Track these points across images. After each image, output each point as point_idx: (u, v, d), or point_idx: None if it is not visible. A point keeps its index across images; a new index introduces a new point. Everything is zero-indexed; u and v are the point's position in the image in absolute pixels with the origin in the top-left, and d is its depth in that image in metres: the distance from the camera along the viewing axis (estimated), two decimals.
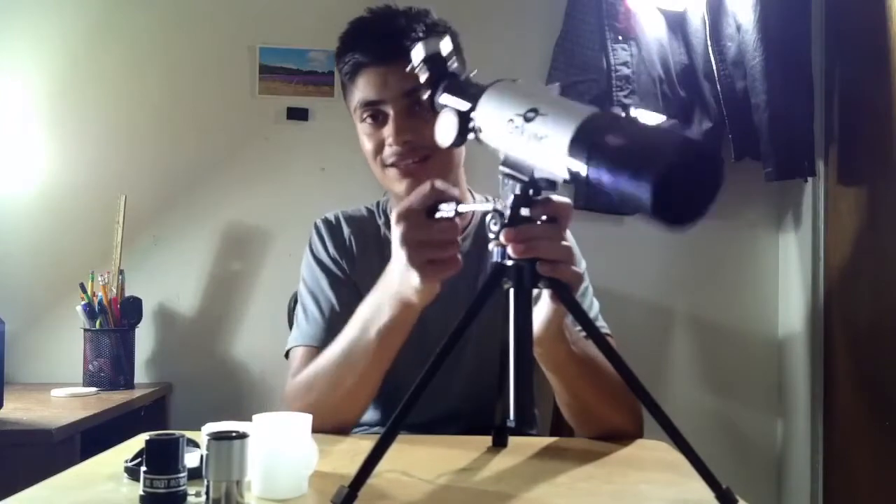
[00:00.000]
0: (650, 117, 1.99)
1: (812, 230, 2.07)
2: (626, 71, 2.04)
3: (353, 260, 1.27)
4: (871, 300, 1.86)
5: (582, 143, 0.68)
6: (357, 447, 0.99)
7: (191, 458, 0.78)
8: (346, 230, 1.30)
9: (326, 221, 1.32)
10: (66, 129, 2.12)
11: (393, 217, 0.90)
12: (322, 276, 1.26)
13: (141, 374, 2.05)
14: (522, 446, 1.02)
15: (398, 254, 0.90)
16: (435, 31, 1.18)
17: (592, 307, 1.26)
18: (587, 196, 2.07)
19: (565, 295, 0.82)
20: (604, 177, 0.67)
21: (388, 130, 1.18)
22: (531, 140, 0.74)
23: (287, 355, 1.25)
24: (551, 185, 0.78)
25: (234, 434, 0.71)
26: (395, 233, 0.90)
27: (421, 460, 0.93)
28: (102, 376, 1.91)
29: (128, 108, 2.13)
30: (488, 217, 0.80)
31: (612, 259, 2.07)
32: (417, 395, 0.74)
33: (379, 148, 1.20)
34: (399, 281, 0.94)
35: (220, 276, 2.14)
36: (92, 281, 1.95)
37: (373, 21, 1.21)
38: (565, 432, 1.28)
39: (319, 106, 2.14)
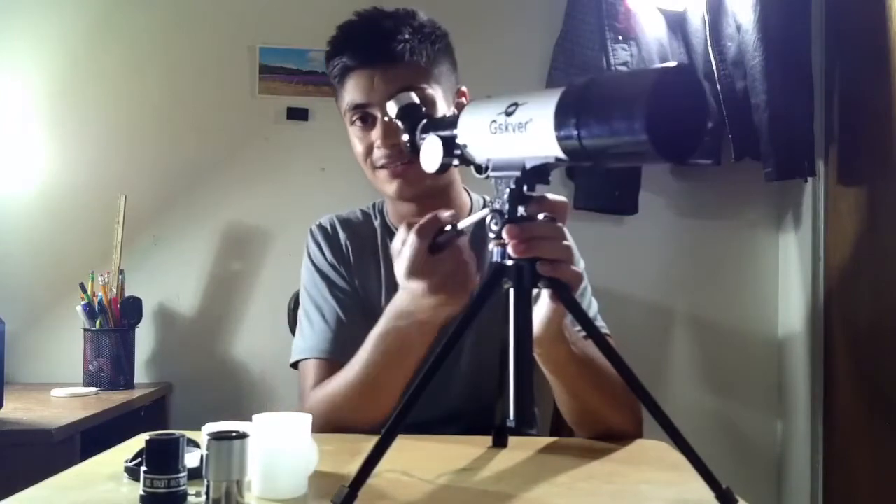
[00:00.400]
0: None
1: (812, 230, 2.07)
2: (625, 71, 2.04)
3: (351, 264, 1.28)
4: (871, 300, 1.86)
5: (567, 108, 0.70)
6: (357, 447, 0.99)
7: (191, 458, 0.78)
8: (342, 235, 1.30)
9: (321, 228, 1.32)
10: (66, 129, 2.12)
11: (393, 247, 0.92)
12: (323, 284, 1.26)
13: (141, 374, 2.04)
14: (522, 446, 1.02)
15: (403, 280, 0.92)
16: (422, 31, 1.19)
17: (591, 307, 1.26)
18: (587, 193, 2.08)
19: (565, 295, 0.82)
20: (595, 130, 0.68)
21: (376, 133, 1.19)
22: (517, 130, 0.75)
23: (295, 365, 1.24)
24: (544, 175, 0.78)
25: (234, 434, 0.71)
26: (398, 265, 0.91)
27: (421, 460, 0.94)
28: (102, 376, 1.91)
29: (128, 108, 2.13)
30: (488, 218, 0.80)
31: (612, 259, 2.08)
32: (418, 395, 0.74)
33: (369, 150, 1.22)
34: (416, 305, 0.96)
35: (220, 276, 2.14)
36: (92, 281, 1.95)
37: (360, 24, 1.22)
38: (565, 432, 1.28)
39: (319, 106, 2.14)
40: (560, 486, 0.85)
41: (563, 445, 1.09)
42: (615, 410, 1.08)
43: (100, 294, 1.94)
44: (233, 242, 2.15)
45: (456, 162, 0.86)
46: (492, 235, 0.80)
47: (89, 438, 1.54)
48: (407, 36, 1.17)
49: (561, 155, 0.72)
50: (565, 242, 0.82)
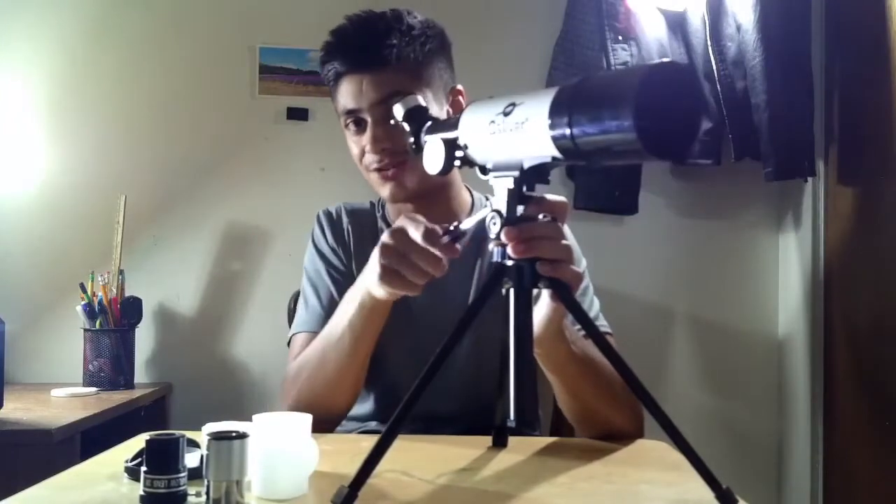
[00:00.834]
0: None
1: (812, 230, 2.07)
2: None
3: (351, 249, 1.31)
4: (871, 300, 1.86)
5: (560, 106, 0.71)
6: (357, 447, 0.99)
7: (191, 458, 0.78)
8: (345, 221, 1.34)
9: (327, 213, 1.36)
10: (66, 129, 2.12)
11: (396, 223, 0.94)
12: (321, 264, 1.30)
13: (141, 374, 2.05)
14: (522, 446, 1.02)
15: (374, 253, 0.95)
16: (410, 33, 1.20)
17: (593, 306, 1.26)
18: (586, 193, 2.08)
19: (565, 295, 0.82)
20: (587, 128, 0.68)
21: (366, 138, 1.22)
22: (514, 130, 0.76)
23: (289, 344, 1.29)
24: (543, 175, 0.78)
25: (234, 434, 0.71)
26: (383, 236, 0.93)
27: (421, 460, 0.94)
28: (102, 376, 1.91)
29: (128, 108, 2.13)
30: (488, 218, 0.80)
31: (612, 259, 2.08)
32: (418, 395, 0.74)
33: (362, 153, 1.25)
34: (367, 274, 0.99)
35: (220, 276, 2.14)
36: (92, 281, 1.95)
37: (349, 29, 1.23)
38: (565, 432, 1.28)
39: (319, 106, 2.14)
40: (560, 486, 0.85)
41: (563, 445, 1.09)
42: (616, 410, 1.08)
43: (100, 294, 1.94)
44: (233, 242, 2.15)
45: (458, 163, 0.86)
46: (492, 236, 0.80)
47: (89, 438, 1.54)
48: (394, 40, 1.18)
49: (557, 154, 0.73)
50: (565, 242, 0.82)
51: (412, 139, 0.94)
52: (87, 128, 2.12)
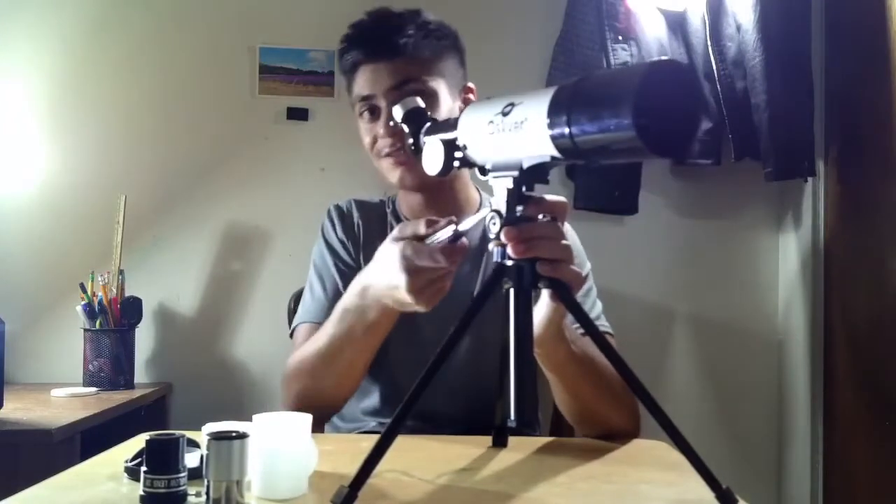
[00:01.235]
0: None
1: (812, 230, 2.07)
2: None
3: (360, 243, 1.33)
4: (871, 300, 1.86)
5: (559, 105, 0.71)
6: (357, 447, 0.99)
7: (191, 458, 0.78)
8: (355, 215, 1.36)
9: (338, 207, 1.38)
10: (66, 129, 2.12)
11: (395, 232, 0.93)
12: (329, 256, 1.32)
13: (141, 374, 2.04)
14: (522, 446, 1.02)
15: (390, 265, 0.93)
16: (426, 28, 1.24)
17: (595, 307, 1.26)
18: (586, 193, 2.08)
19: (565, 295, 0.82)
20: (586, 127, 0.68)
21: (380, 123, 1.24)
22: (513, 129, 0.76)
23: (293, 334, 1.31)
24: (542, 175, 0.78)
25: (234, 434, 0.71)
26: (392, 249, 0.92)
27: (421, 460, 0.94)
28: (102, 376, 1.91)
29: (128, 108, 2.13)
30: (488, 218, 0.80)
31: (612, 259, 2.07)
32: (418, 395, 0.74)
33: (374, 140, 1.27)
34: (386, 293, 0.97)
35: (220, 276, 2.14)
36: (92, 281, 1.95)
37: (368, 22, 1.27)
38: (565, 432, 1.28)
39: (319, 106, 2.14)
40: (560, 486, 0.85)
41: (563, 445, 1.09)
42: (614, 409, 1.08)
43: (100, 294, 1.94)
44: (233, 242, 2.15)
45: (457, 164, 0.86)
46: (491, 236, 0.80)
47: (89, 438, 1.54)
48: (411, 31, 1.23)
49: (556, 154, 0.73)
50: (564, 242, 0.82)
51: (411, 140, 0.94)
52: (87, 128, 2.12)
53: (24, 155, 2.11)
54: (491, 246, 0.81)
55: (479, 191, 1.37)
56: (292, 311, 1.56)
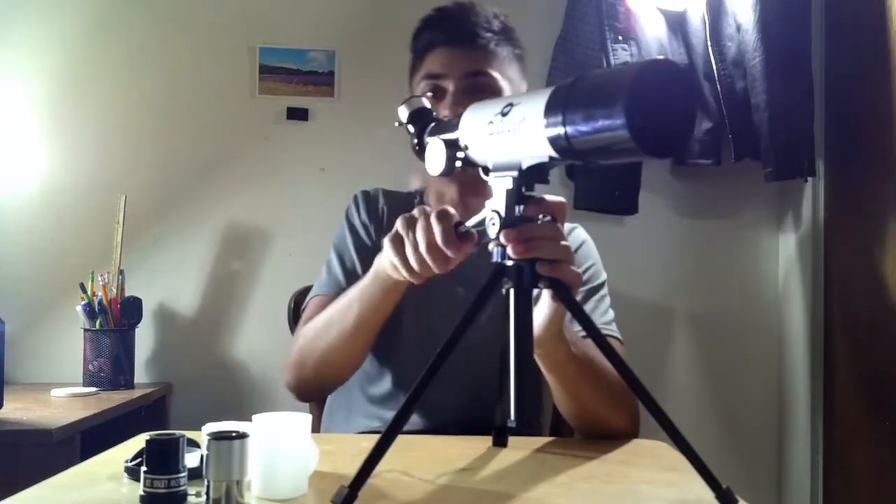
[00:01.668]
0: None
1: (812, 230, 2.07)
2: None
3: (382, 229, 1.33)
4: (871, 300, 1.86)
5: (555, 106, 0.71)
6: (357, 447, 0.99)
7: (191, 458, 0.78)
8: (381, 201, 1.37)
9: (365, 192, 1.39)
10: (66, 129, 2.12)
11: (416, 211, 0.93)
12: (350, 237, 1.33)
13: (141, 374, 2.04)
14: (522, 446, 1.02)
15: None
16: (507, 32, 1.29)
17: (606, 314, 1.26)
18: (586, 193, 2.07)
19: (565, 295, 0.82)
20: (581, 126, 0.68)
21: (444, 104, 1.24)
22: (512, 130, 0.76)
23: (305, 308, 1.32)
24: (542, 175, 0.78)
25: (234, 434, 0.71)
26: (399, 222, 0.93)
27: (421, 460, 0.94)
28: (102, 376, 1.91)
29: (128, 108, 2.13)
30: (487, 218, 0.80)
31: (612, 259, 2.04)
32: (418, 395, 0.74)
33: None
34: (382, 259, 1.00)
35: (220, 276, 2.14)
36: (92, 281, 1.95)
37: (455, 9, 1.30)
38: (565, 432, 1.28)
39: (319, 106, 2.14)
40: (560, 486, 0.85)
41: (563, 445, 1.08)
42: (613, 410, 1.08)
43: (100, 294, 1.94)
44: (233, 242, 2.15)
45: (459, 164, 0.86)
46: (491, 236, 0.80)
47: (89, 438, 1.54)
48: (494, 28, 1.26)
49: (554, 154, 0.73)
50: (564, 243, 0.82)
51: (416, 140, 0.94)
52: (87, 128, 2.12)
53: (24, 155, 2.11)
54: (491, 246, 0.81)
55: None
56: (292, 311, 1.56)
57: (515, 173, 0.78)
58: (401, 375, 1.25)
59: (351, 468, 0.72)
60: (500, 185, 0.80)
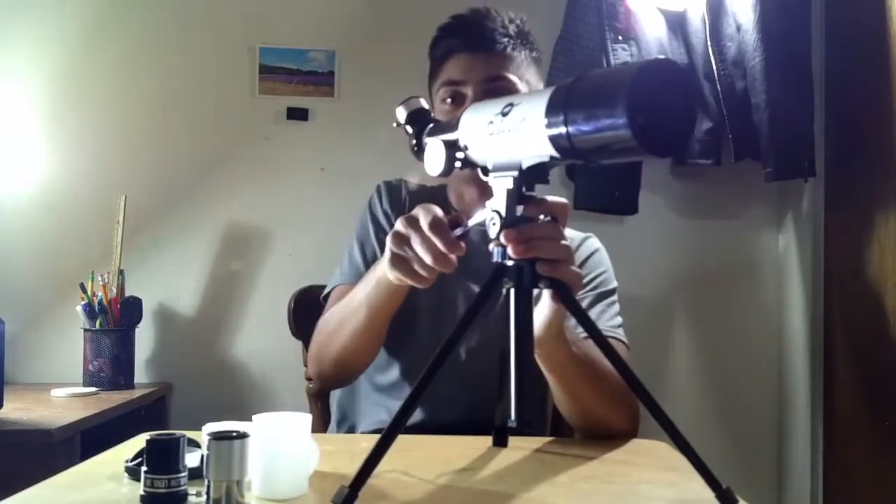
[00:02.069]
0: None
1: (812, 230, 2.07)
2: None
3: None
4: (871, 300, 1.86)
5: (556, 105, 0.71)
6: (357, 447, 0.99)
7: (191, 458, 0.78)
8: (404, 191, 1.37)
9: (387, 182, 1.39)
10: (66, 129, 2.12)
11: (419, 208, 0.93)
12: (371, 226, 1.33)
13: (141, 374, 2.05)
14: (522, 446, 1.02)
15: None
16: (524, 36, 1.29)
17: (614, 319, 1.26)
18: (586, 193, 2.07)
19: (565, 295, 0.82)
20: (582, 126, 0.68)
21: (464, 109, 1.22)
22: (513, 130, 0.76)
23: (327, 297, 1.33)
24: (542, 175, 0.78)
25: (234, 434, 0.71)
26: (397, 223, 0.93)
27: (421, 460, 0.93)
28: (102, 376, 1.91)
29: (128, 108, 2.13)
30: (487, 218, 0.80)
31: (612, 259, 2.06)
32: (418, 395, 0.74)
33: None
34: (384, 269, 0.99)
35: (220, 276, 2.14)
36: (92, 281, 1.95)
37: (472, 16, 1.30)
38: (565, 432, 1.28)
39: (319, 106, 2.14)
40: (560, 486, 0.84)
41: (563, 445, 1.08)
42: (613, 410, 1.08)
43: (100, 294, 1.94)
44: (233, 242, 2.15)
45: (459, 165, 0.86)
46: (492, 236, 0.80)
47: (89, 438, 1.54)
48: (512, 32, 1.27)
49: (555, 153, 0.73)
50: (564, 243, 0.82)
51: (414, 141, 0.94)
52: (87, 128, 2.12)
53: (24, 155, 2.11)
54: (491, 246, 0.81)
55: None
56: (292, 311, 1.56)
57: (516, 173, 0.78)
58: (413, 369, 1.26)
59: (351, 468, 0.72)
60: (500, 185, 0.80)
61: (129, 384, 1.94)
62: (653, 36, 2.06)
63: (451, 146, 0.86)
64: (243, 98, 2.14)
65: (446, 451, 1.00)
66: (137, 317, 1.99)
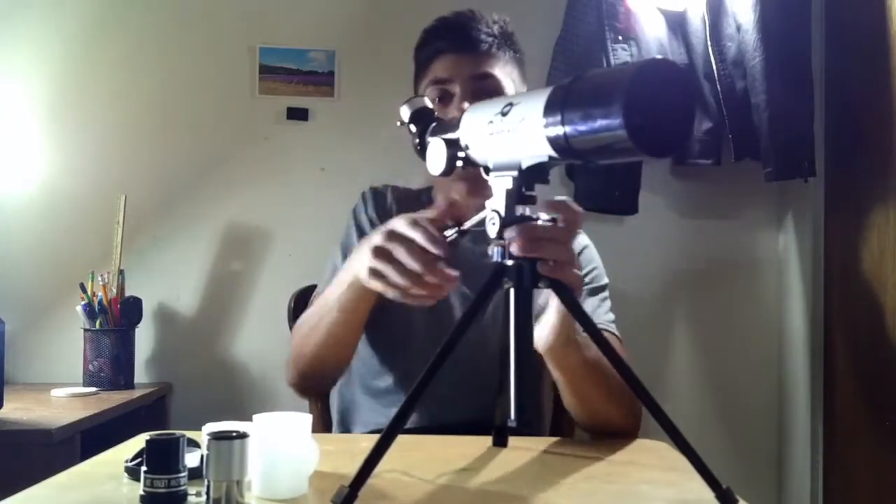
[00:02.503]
0: None
1: (812, 230, 2.07)
2: None
3: None
4: (871, 300, 1.86)
5: (554, 105, 0.71)
6: (357, 447, 0.99)
7: (191, 458, 0.78)
8: (389, 197, 1.37)
9: (373, 189, 1.40)
10: (66, 129, 2.12)
11: (400, 219, 0.93)
12: (355, 233, 1.34)
13: (141, 374, 2.04)
14: (522, 446, 1.02)
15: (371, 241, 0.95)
16: (507, 36, 1.31)
17: (606, 315, 1.27)
18: (586, 193, 2.07)
19: (566, 296, 0.82)
20: (579, 126, 0.68)
21: (452, 108, 1.25)
22: (512, 129, 0.76)
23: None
24: (542, 175, 0.78)
25: (234, 434, 0.71)
26: (380, 231, 0.94)
27: (421, 460, 0.94)
28: (102, 376, 1.91)
29: (128, 108, 2.13)
30: (487, 218, 0.80)
31: (612, 259, 2.05)
32: (418, 395, 0.74)
33: None
34: (357, 262, 1.00)
35: (220, 276, 2.14)
36: (92, 281, 1.95)
37: (455, 19, 1.32)
38: (565, 432, 1.28)
39: (319, 106, 2.14)
40: (561, 486, 0.85)
41: (564, 445, 1.08)
42: (618, 409, 1.09)
43: (100, 294, 1.94)
44: (233, 242, 2.15)
45: (460, 164, 0.86)
46: (492, 235, 0.80)
47: (89, 438, 1.54)
48: (496, 32, 1.30)
49: (553, 153, 0.73)
50: (568, 245, 0.82)
51: (417, 140, 0.94)
52: (87, 128, 2.12)
53: (24, 155, 2.11)
54: (490, 246, 0.81)
55: None
56: (292, 311, 1.56)
57: (515, 173, 0.78)
58: (410, 373, 1.25)
59: (351, 468, 0.72)
60: (500, 184, 0.80)
61: (129, 384, 1.94)
62: (653, 36, 2.06)
63: (453, 145, 0.86)
64: (243, 98, 2.14)
65: (446, 451, 1.00)
66: (137, 317, 1.99)
